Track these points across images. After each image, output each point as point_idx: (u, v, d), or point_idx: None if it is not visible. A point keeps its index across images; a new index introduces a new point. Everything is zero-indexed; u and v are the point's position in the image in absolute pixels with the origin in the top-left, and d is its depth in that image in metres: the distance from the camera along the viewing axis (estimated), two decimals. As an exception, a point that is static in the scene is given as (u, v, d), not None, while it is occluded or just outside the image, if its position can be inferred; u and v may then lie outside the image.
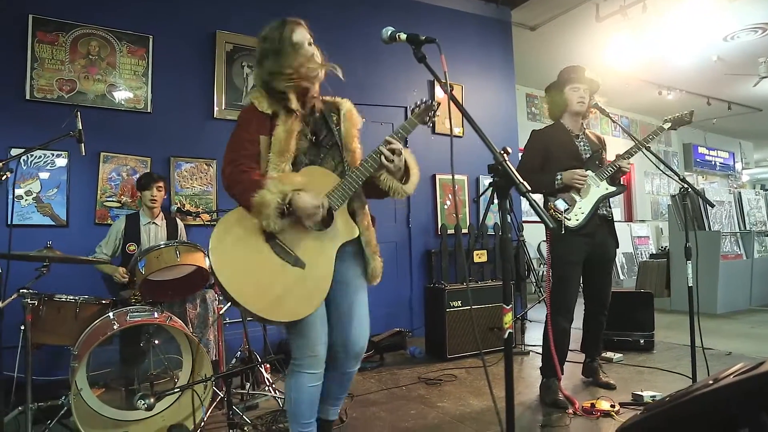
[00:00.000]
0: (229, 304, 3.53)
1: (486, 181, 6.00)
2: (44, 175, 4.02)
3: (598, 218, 3.27)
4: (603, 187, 3.28)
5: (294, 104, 2.08)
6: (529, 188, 1.33)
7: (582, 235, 3.21)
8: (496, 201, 3.14)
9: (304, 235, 2.02)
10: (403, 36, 1.81)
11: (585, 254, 3.25)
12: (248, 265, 1.94)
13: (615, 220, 3.45)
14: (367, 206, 2.24)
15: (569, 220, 3.19)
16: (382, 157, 2.06)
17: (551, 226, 1.28)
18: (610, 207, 3.39)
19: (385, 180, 2.16)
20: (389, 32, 1.86)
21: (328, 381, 2.22)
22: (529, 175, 3.33)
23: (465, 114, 1.56)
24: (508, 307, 1.37)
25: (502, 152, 1.38)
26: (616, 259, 9.69)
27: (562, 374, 3.24)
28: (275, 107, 2.08)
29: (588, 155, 3.33)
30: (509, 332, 1.37)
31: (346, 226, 2.11)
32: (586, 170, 3.26)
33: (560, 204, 3.23)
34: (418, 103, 2.15)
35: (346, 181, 2.07)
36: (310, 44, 2.12)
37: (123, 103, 4.38)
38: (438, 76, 1.66)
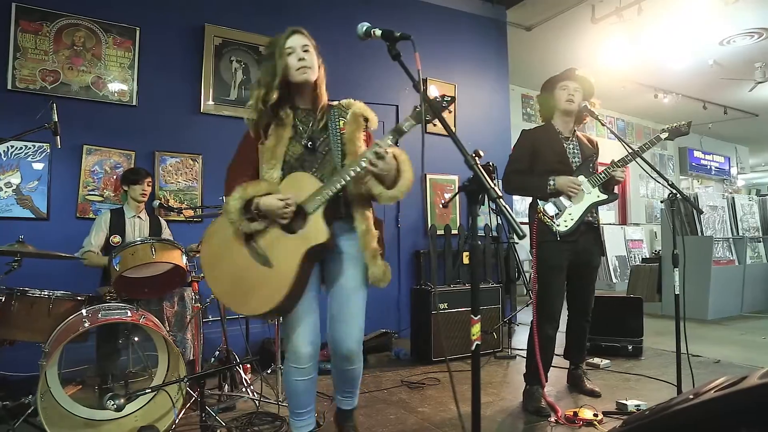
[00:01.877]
0: (208, 302, 3.50)
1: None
2: (25, 167, 3.94)
3: (584, 225, 3.18)
4: (594, 194, 3.20)
5: (285, 113, 2.16)
6: (500, 194, 1.27)
7: (566, 241, 3.14)
8: (487, 202, 3.08)
9: (280, 237, 2.08)
10: (378, 32, 1.75)
11: (568, 260, 3.18)
12: (225, 263, 2.13)
13: (608, 223, 3.40)
14: (370, 210, 2.22)
15: (558, 225, 3.13)
16: (363, 162, 2.01)
17: (520, 235, 1.22)
18: (596, 214, 3.31)
19: (370, 185, 2.11)
20: (365, 28, 1.79)
21: (333, 373, 2.39)
22: (518, 176, 3.27)
23: (439, 117, 1.50)
24: (476, 318, 1.31)
25: (474, 155, 1.32)
26: (610, 263, 9.69)
27: (546, 382, 3.19)
28: (267, 119, 2.15)
29: (576, 159, 3.26)
30: (477, 344, 1.30)
31: (316, 230, 2.07)
32: (579, 176, 3.19)
33: (550, 208, 3.17)
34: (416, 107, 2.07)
35: (325, 186, 2.06)
36: (304, 50, 2.14)
37: (108, 95, 4.29)
38: (411, 75, 1.59)
